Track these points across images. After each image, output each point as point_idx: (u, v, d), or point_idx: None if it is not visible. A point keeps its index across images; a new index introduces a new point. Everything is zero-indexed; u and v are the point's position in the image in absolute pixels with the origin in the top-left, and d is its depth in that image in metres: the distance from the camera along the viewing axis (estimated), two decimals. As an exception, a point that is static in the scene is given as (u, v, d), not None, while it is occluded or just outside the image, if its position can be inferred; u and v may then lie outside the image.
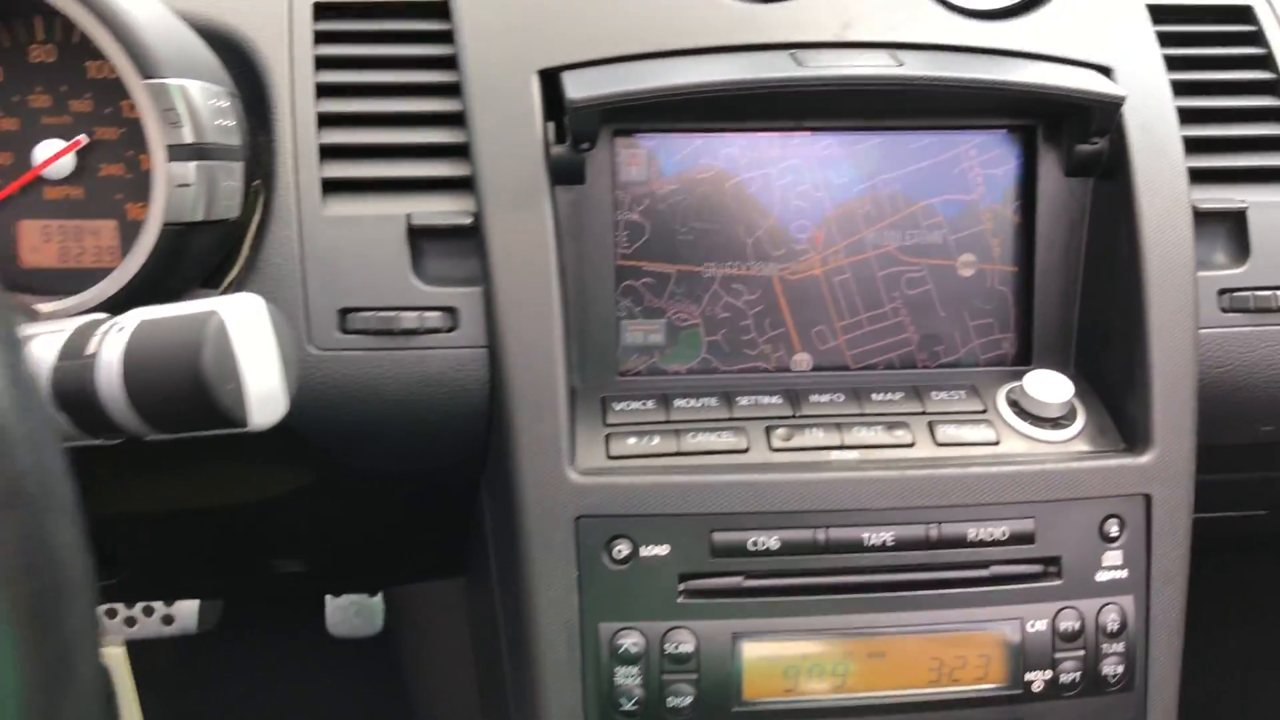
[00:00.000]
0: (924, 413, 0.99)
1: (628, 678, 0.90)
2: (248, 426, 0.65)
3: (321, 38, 1.01)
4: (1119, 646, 0.95)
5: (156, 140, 0.84)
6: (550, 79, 0.97)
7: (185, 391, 0.62)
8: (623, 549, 0.91)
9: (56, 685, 0.45)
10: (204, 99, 0.85)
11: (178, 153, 0.84)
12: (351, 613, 2.09)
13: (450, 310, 0.94)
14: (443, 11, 1.02)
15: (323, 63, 1.00)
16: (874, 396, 1.00)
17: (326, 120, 0.99)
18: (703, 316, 1.04)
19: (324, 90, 1.00)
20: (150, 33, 0.84)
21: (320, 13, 1.02)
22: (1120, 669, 0.95)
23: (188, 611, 1.99)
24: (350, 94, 1.00)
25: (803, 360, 1.06)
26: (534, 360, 0.91)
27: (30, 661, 0.43)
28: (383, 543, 1.17)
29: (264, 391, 0.65)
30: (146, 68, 0.83)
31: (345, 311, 0.94)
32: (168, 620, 1.99)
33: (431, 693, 1.44)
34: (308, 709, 2.21)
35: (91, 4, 0.83)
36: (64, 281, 0.89)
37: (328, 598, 2.16)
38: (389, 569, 1.34)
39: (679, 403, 0.99)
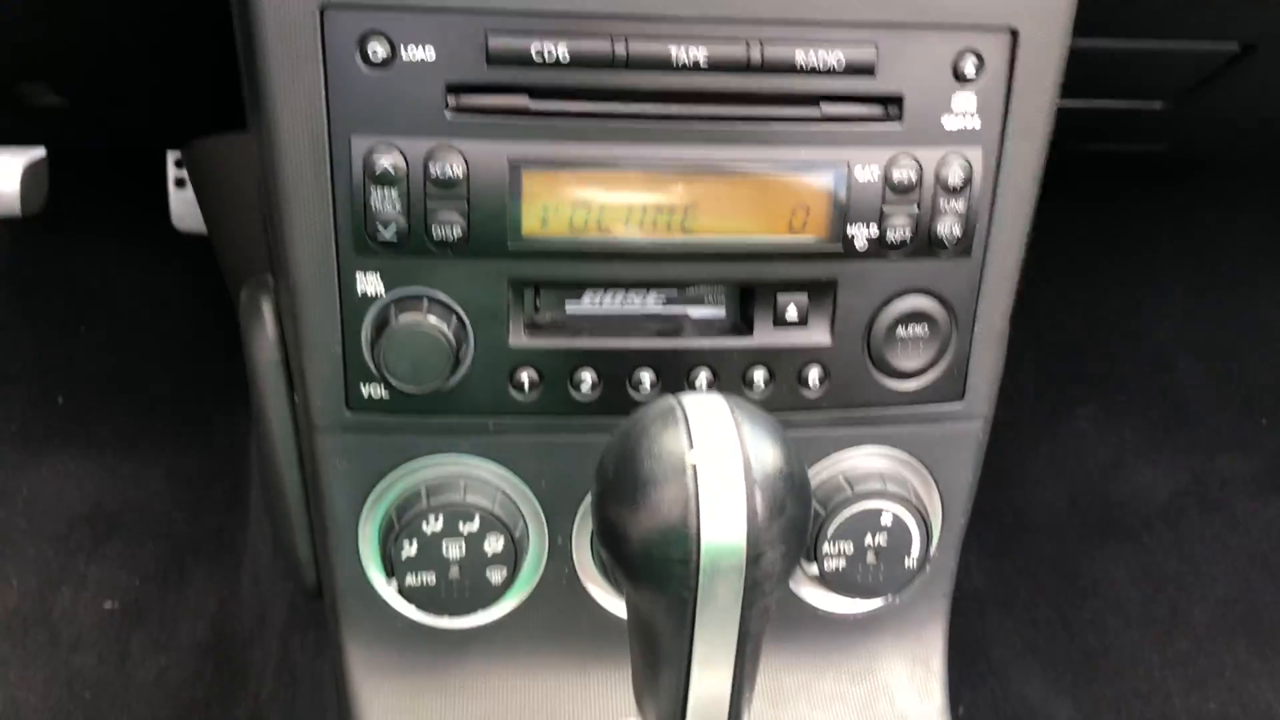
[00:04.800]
0: None
1: (385, 202, 0.77)
2: None
3: None
4: (959, 205, 0.83)
5: None
6: None
7: None
8: (379, 49, 0.75)
9: None
10: None
11: None
12: (197, 206, 1.94)
13: None
14: None
15: None
16: None
17: None
18: None
19: None
20: None
21: None
22: (957, 230, 0.83)
23: (8, 195, 1.83)
24: None
25: None
26: None
27: None
28: (139, 65, 0.99)
29: None
30: None
31: None
32: (-14, 199, 1.82)
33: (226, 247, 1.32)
34: (152, 303, 2.11)
35: None
36: None
37: (171, 190, 2.01)
38: (166, 111, 1.16)
39: None
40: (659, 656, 0.65)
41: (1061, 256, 2.34)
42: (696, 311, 0.86)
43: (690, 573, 0.60)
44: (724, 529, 0.59)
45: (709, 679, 0.65)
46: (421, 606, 0.85)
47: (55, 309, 2.07)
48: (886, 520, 0.87)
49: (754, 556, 0.60)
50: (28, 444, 1.91)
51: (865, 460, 0.89)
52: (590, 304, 0.85)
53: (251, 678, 1.60)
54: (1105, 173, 1.87)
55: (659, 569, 0.61)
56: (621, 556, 0.62)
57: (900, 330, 0.85)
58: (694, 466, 0.60)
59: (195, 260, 2.00)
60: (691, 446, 0.61)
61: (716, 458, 0.60)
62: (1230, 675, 1.87)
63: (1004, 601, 1.95)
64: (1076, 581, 2.00)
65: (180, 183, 1.97)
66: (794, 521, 0.62)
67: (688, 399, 0.63)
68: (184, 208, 2.00)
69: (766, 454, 0.61)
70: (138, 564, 1.76)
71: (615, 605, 0.90)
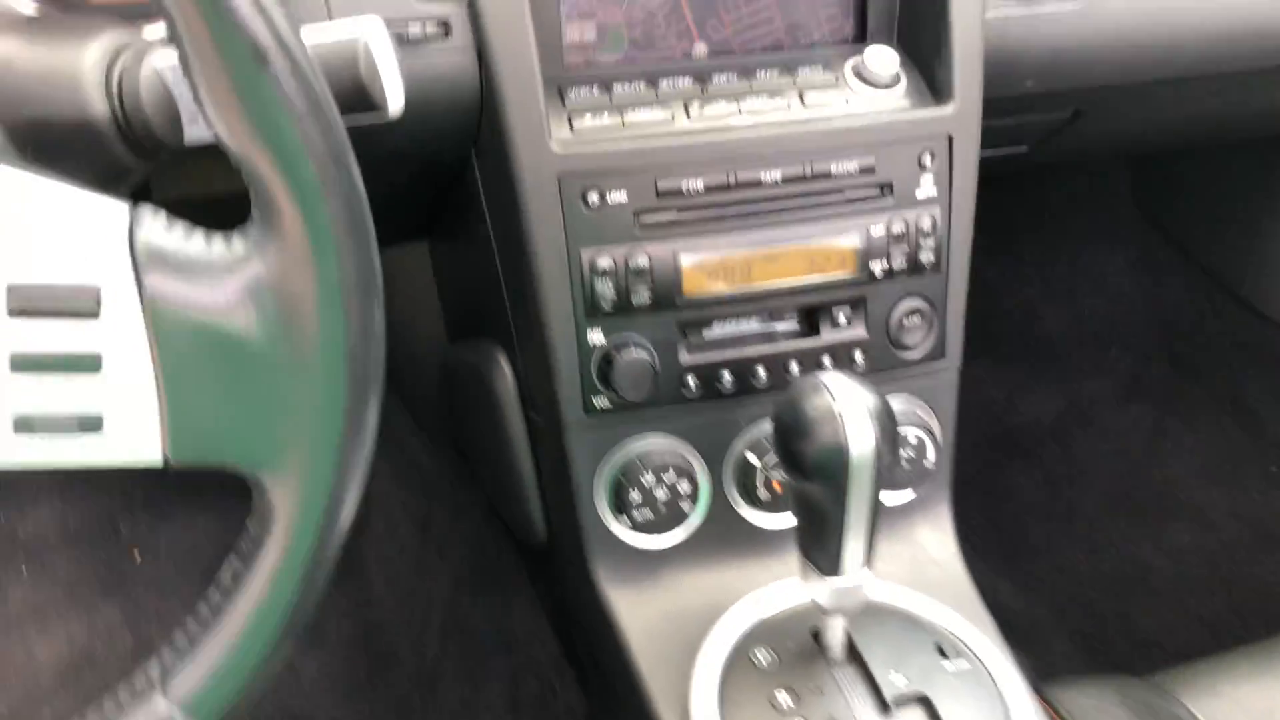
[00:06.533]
0: (795, 84, 1.34)
1: (604, 285, 1.27)
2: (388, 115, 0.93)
3: None
4: (931, 242, 1.37)
5: None
6: None
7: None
8: (594, 197, 1.25)
9: None
10: None
11: None
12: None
13: (443, 22, 1.21)
14: None
15: None
16: (758, 74, 1.34)
17: None
18: (624, 17, 1.34)
19: None
20: None
21: None
22: (932, 257, 1.37)
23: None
24: None
25: (701, 49, 1.38)
26: (516, 57, 1.21)
27: None
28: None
29: (396, 87, 0.92)
30: None
31: None
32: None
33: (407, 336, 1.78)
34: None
35: None
36: None
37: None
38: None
39: (617, 88, 1.30)
40: (825, 524, 1.16)
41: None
42: (781, 326, 1.38)
43: (844, 472, 1.11)
44: (862, 445, 1.10)
45: (854, 535, 1.15)
46: (644, 532, 1.35)
47: None
48: (913, 439, 1.41)
49: (878, 458, 1.12)
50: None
51: (894, 404, 1.42)
52: (719, 330, 1.36)
53: (405, 655, 2.04)
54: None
55: (826, 471, 1.11)
56: (802, 467, 1.13)
57: (905, 321, 1.39)
58: (840, 414, 1.11)
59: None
60: (835, 401, 1.12)
61: (852, 407, 1.10)
62: (1118, 544, 2.48)
63: (946, 515, 2.52)
64: (994, 493, 2.59)
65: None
66: (893, 439, 1.13)
67: (825, 377, 1.14)
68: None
69: (877, 404, 1.13)
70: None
71: (756, 518, 1.41)
